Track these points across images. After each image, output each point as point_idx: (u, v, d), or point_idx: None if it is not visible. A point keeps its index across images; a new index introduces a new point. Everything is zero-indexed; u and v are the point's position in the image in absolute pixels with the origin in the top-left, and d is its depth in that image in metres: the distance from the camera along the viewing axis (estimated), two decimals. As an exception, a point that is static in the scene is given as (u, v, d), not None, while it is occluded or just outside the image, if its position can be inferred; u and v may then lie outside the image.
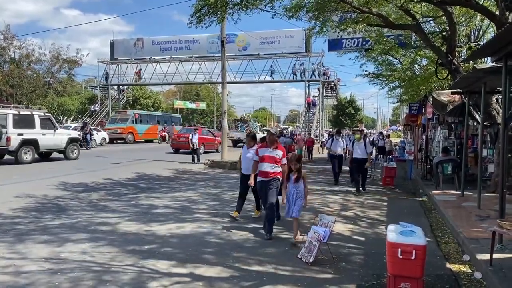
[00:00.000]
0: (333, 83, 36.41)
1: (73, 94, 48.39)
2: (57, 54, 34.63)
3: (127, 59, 37.15)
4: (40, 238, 5.58)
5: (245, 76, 34.51)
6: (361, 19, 10.68)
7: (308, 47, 32.24)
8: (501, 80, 5.32)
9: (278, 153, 6.14)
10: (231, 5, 9.81)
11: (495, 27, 8.77)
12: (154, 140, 32.03)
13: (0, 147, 14.03)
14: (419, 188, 11.51)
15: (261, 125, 44.46)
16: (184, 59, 36.21)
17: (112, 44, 37.53)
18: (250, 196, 7.18)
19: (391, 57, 17.74)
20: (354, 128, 23.20)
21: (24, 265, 4.51)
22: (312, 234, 4.88)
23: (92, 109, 38.10)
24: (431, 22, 13.28)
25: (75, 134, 17.72)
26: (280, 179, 6.07)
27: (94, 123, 34.05)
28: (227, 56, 20.55)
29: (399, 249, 3.63)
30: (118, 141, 29.68)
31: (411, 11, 10.22)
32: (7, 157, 14.73)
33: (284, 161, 6.11)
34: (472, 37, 12.71)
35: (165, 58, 36.28)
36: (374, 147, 19.37)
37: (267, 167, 6.04)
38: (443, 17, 10.39)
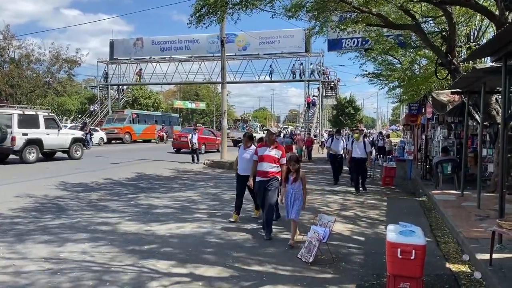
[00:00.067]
0: (332, 83, 36.42)
1: (73, 94, 48.38)
2: (56, 54, 34.60)
3: (127, 59, 37.14)
4: (40, 238, 5.58)
5: (245, 76, 34.54)
6: (360, 19, 10.68)
7: (308, 47, 32.24)
8: (500, 80, 5.32)
9: (278, 152, 6.08)
10: (230, 5, 9.81)
11: (494, 27, 8.78)
12: (152, 140, 31.93)
13: (5, 146, 14.18)
14: (418, 188, 11.51)
15: (261, 125, 44.48)
16: (184, 59, 36.18)
17: (111, 44, 37.51)
18: (249, 195, 7.14)
19: (391, 57, 17.75)
20: (354, 128, 23.21)
21: (24, 265, 4.51)
22: (311, 234, 4.88)
23: (92, 109, 38.07)
24: (431, 22, 13.29)
25: (79, 134, 17.87)
26: (280, 179, 6.01)
27: (94, 123, 34.02)
28: (226, 56, 20.54)
29: (399, 249, 3.63)
30: (116, 141, 29.59)
31: (410, 11, 10.22)
32: (11, 156, 14.89)
33: (283, 161, 6.04)
34: (471, 37, 12.73)
35: (164, 58, 36.25)
36: (374, 147, 19.37)
37: (266, 166, 5.99)
38: (443, 17, 10.40)
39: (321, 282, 4.21)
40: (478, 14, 10.35)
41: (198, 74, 36.01)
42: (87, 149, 21.57)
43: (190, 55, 35.69)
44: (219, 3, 9.50)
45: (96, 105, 38.36)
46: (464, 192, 8.82)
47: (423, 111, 15.18)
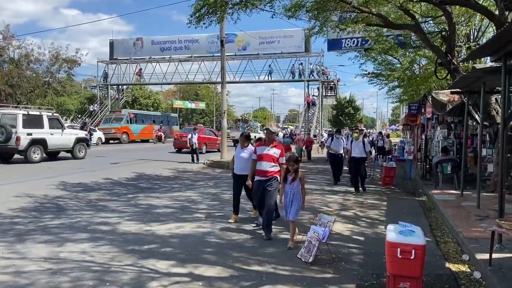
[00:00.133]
0: (332, 83, 36.42)
1: (73, 94, 48.33)
2: (56, 54, 34.58)
3: (127, 59, 37.16)
4: (39, 238, 5.58)
5: (245, 76, 34.56)
6: (360, 19, 10.68)
7: (307, 47, 32.25)
8: (500, 79, 5.33)
9: (276, 151, 6.00)
10: (230, 5, 9.80)
11: (494, 27, 8.78)
12: (150, 140, 31.83)
13: (10, 146, 14.38)
14: (418, 187, 11.52)
15: (261, 125, 44.47)
16: (184, 59, 36.19)
17: (111, 44, 37.52)
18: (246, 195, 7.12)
19: (391, 57, 17.75)
20: (354, 128, 23.22)
21: (24, 265, 4.51)
22: (311, 233, 4.88)
23: (91, 109, 38.05)
24: (431, 22, 13.30)
25: (82, 134, 18.02)
26: (279, 178, 5.94)
27: (94, 123, 33.99)
28: (226, 56, 20.54)
29: (399, 249, 3.63)
30: (114, 141, 29.46)
31: (410, 11, 10.23)
32: (16, 156, 15.08)
33: (282, 160, 5.96)
34: (471, 37, 12.74)
35: (164, 58, 36.27)
36: (374, 147, 19.37)
37: (265, 166, 5.92)
38: (443, 17, 10.40)
39: (321, 282, 4.21)
40: (478, 14, 10.36)
41: (198, 74, 36.11)
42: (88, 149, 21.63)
43: (190, 55, 35.70)
44: (219, 3, 9.49)
45: (96, 105, 38.34)
46: (463, 192, 8.82)
47: (422, 111, 15.18)
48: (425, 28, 12.20)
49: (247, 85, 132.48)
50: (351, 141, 10.71)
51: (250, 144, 6.83)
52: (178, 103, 53.51)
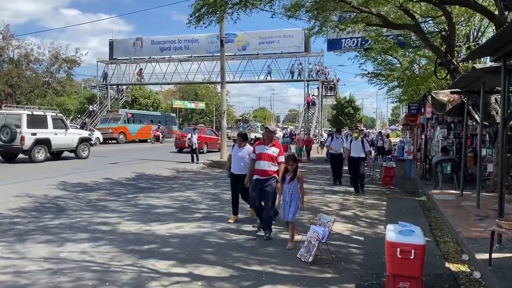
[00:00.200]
0: (332, 83, 36.42)
1: (72, 94, 48.32)
2: (56, 54, 34.56)
3: (126, 59, 37.12)
4: (39, 238, 5.58)
5: (244, 75, 34.52)
6: (360, 19, 10.68)
7: (307, 47, 32.24)
8: (500, 79, 5.33)
9: (275, 150, 5.94)
10: (230, 5, 9.79)
11: (494, 27, 8.78)
12: (148, 140, 31.71)
13: (14, 146, 14.59)
14: (418, 187, 11.52)
15: (261, 125, 44.46)
16: (183, 59, 36.16)
17: (111, 44, 37.50)
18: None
19: (390, 57, 17.75)
20: (354, 128, 23.27)
21: (24, 265, 4.51)
22: (311, 233, 4.88)
23: (91, 109, 38.01)
24: (430, 22, 13.29)
25: (85, 133, 18.13)
26: (278, 178, 5.87)
27: (93, 123, 33.96)
28: (226, 55, 20.53)
29: (398, 249, 3.63)
30: (111, 141, 29.26)
31: (410, 11, 10.23)
32: (20, 156, 15.29)
33: (281, 158, 5.88)
34: (471, 37, 12.75)
35: (164, 57, 36.24)
36: (373, 147, 19.38)
37: (264, 165, 5.87)
38: (442, 17, 10.41)
39: (321, 282, 4.21)
40: (478, 14, 10.36)
41: (197, 74, 36.06)
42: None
43: (190, 55, 35.68)
44: (219, 2, 9.48)
45: (96, 105, 38.31)
46: (463, 192, 8.83)
47: (422, 110, 15.20)
48: (425, 28, 12.20)
49: (247, 85, 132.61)
50: (350, 141, 10.71)
51: (247, 144, 6.80)
52: (178, 103, 53.49)
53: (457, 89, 8.78)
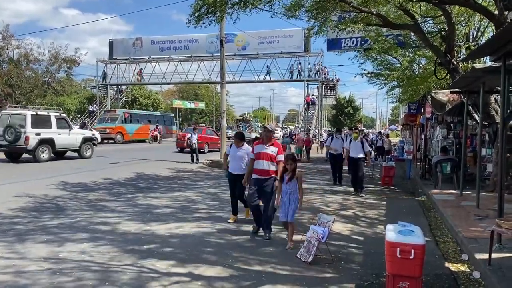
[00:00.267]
0: (332, 83, 36.42)
1: (72, 94, 48.30)
2: (55, 54, 34.55)
3: (126, 59, 37.12)
4: (39, 238, 5.58)
5: (244, 75, 34.54)
6: (360, 19, 10.68)
7: (307, 47, 32.26)
8: (499, 79, 5.33)
9: (274, 149, 5.89)
10: (230, 5, 9.78)
11: (493, 27, 8.79)
12: (146, 140, 31.65)
13: (19, 146, 14.79)
14: (418, 187, 11.52)
15: (262, 125, 44.45)
16: (183, 59, 36.17)
17: (111, 44, 37.50)
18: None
19: (390, 57, 17.76)
20: (353, 128, 23.29)
21: (24, 265, 4.51)
22: (311, 233, 4.88)
23: (91, 109, 37.98)
24: (430, 22, 13.30)
25: (89, 133, 18.22)
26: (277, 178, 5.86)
27: (93, 123, 33.91)
28: (226, 55, 20.54)
29: (398, 249, 3.63)
30: (108, 141, 29.18)
31: (410, 11, 10.23)
32: (24, 155, 15.45)
33: (280, 157, 5.83)
34: (471, 36, 12.76)
35: (164, 57, 36.24)
36: (373, 146, 19.39)
37: (264, 164, 5.83)
38: (442, 17, 10.41)
39: (320, 282, 4.21)
40: (477, 13, 10.36)
41: (197, 74, 36.09)
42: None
43: (190, 55, 35.69)
44: (218, 2, 9.48)
45: (95, 105, 38.27)
46: (463, 192, 8.83)
47: (422, 110, 15.21)
48: (425, 28, 12.21)
49: (247, 85, 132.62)
50: (350, 141, 10.71)
51: (245, 143, 6.78)
52: (178, 103, 53.47)
53: (457, 89, 8.79)
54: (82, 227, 6.22)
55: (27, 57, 33.72)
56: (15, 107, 17.77)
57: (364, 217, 7.50)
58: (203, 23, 10.18)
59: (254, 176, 5.95)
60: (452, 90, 9.32)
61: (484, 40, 11.77)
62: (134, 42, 36.66)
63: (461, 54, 11.70)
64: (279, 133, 38.95)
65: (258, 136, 8.89)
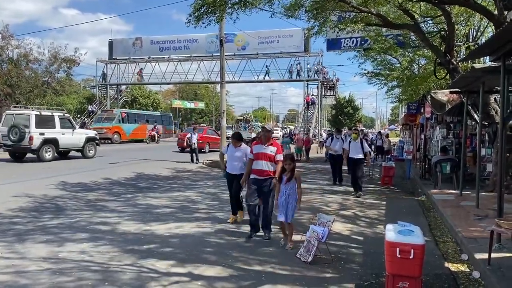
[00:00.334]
0: (331, 83, 36.42)
1: (72, 94, 48.26)
2: (55, 53, 34.53)
3: (126, 59, 37.12)
4: (39, 238, 5.57)
5: (244, 75, 34.55)
6: (359, 19, 10.68)
7: (307, 47, 32.28)
8: (499, 79, 5.34)
9: (273, 149, 5.85)
10: (229, 5, 9.78)
11: (493, 27, 8.79)
12: (144, 140, 31.58)
13: (23, 145, 14.95)
14: (417, 187, 11.53)
15: (262, 125, 44.40)
16: (183, 59, 36.17)
17: (110, 44, 37.51)
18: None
19: (390, 57, 17.77)
20: (353, 128, 23.30)
21: (23, 265, 4.51)
22: (310, 233, 4.88)
23: (90, 109, 37.96)
24: (430, 21, 13.31)
25: (92, 133, 18.30)
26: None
27: (92, 123, 33.89)
28: (225, 55, 20.52)
29: (398, 249, 3.63)
30: (105, 141, 29.05)
31: (409, 11, 10.24)
32: (28, 155, 15.62)
33: (279, 157, 5.79)
34: (470, 36, 12.77)
35: (163, 57, 36.25)
36: (373, 146, 19.38)
37: (263, 165, 5.80)
38: (442, 16, 10.42)
39: (320, 282, 4.22)
40: (477, 13, 10.37)
41: (197, 73, 36.10)
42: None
43: (189, 55, 35.69)
44: (218, 2, 9.47)
45: (95, 105, 38.25)
46: (462, 192, 8.83)
47: (422, 110, 15.20)
48: (424, 28, 12.21)
49: (247, 85, 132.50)
50: (349, 141, 10.70)
51: (243, 143, 6.78)
52: (177, 103, 53.43)
53: (457, 89, 8.79)
54: (82, 227, 6.22)
55: (27, 57, 33.67)
56: (15, 107, 17.82)
57: (364, 217, 7.50)
58: (203, 23, 10.18)
59: (252, 176, 5.92)
60: (451, 90, 9.32)
61: (483, 40, 11.77)
62: (134, 42, 36.66)
63: (461, 54, 11.72)
64: (279, 133, 38.95)
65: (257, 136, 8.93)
